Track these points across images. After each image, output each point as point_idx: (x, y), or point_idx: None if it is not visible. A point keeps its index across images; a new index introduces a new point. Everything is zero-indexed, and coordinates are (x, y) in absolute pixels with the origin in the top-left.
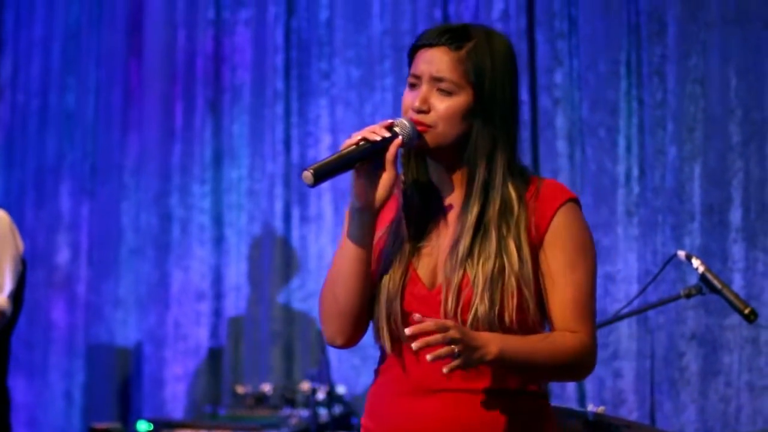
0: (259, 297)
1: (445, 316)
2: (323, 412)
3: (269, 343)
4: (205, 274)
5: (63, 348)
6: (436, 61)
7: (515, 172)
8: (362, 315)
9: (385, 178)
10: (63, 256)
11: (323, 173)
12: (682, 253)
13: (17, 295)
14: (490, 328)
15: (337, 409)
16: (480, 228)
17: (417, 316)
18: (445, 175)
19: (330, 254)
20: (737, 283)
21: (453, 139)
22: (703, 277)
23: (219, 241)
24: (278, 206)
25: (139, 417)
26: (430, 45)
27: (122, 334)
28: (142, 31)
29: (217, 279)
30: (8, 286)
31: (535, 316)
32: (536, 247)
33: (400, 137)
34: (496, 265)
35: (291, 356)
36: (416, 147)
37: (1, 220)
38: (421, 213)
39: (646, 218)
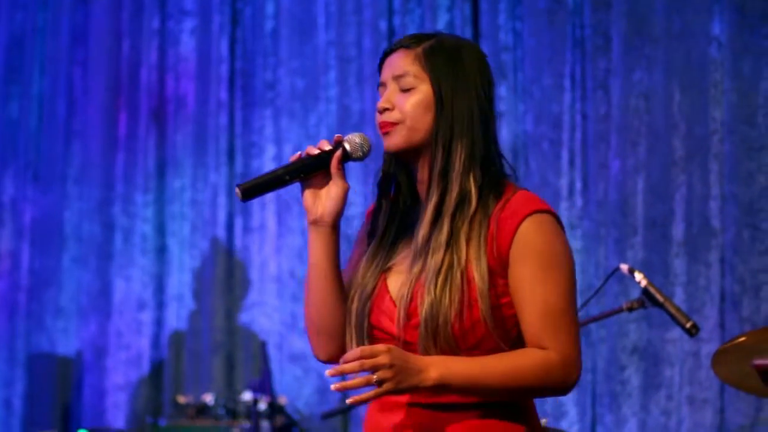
0: (201, 307)
1: (398, 320)
2: (265, 423)
3: (211, 353)
4: (147, 283)
5: (3, 356)
6: (395, 62)
7: (479, 170)
8: (340, 330)
9: (333, 190)
10: (4, 264)
11: (253, 190)
12: (624, 267)
13: None
14: (442, 330)
15: (279, 420)
16: (437, 219)
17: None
18: (420, 185)
19: (273, 265)
20: (679, 296)
21: (419, 134)
22: (645, 291)
23: (161, 250)
24: (221, 216)
25: (80, 427)
26: (392, 50)
27: (63, 343)
28: (86, 39)
29: (159, 288)
30: None
31: (496, 329)
32: (499, 263)
33: (343, 149)
34: (446, 258)
35: (233, 367)
36: (389, 150)
37: None
38: (400, 228)
39: (589, 231)
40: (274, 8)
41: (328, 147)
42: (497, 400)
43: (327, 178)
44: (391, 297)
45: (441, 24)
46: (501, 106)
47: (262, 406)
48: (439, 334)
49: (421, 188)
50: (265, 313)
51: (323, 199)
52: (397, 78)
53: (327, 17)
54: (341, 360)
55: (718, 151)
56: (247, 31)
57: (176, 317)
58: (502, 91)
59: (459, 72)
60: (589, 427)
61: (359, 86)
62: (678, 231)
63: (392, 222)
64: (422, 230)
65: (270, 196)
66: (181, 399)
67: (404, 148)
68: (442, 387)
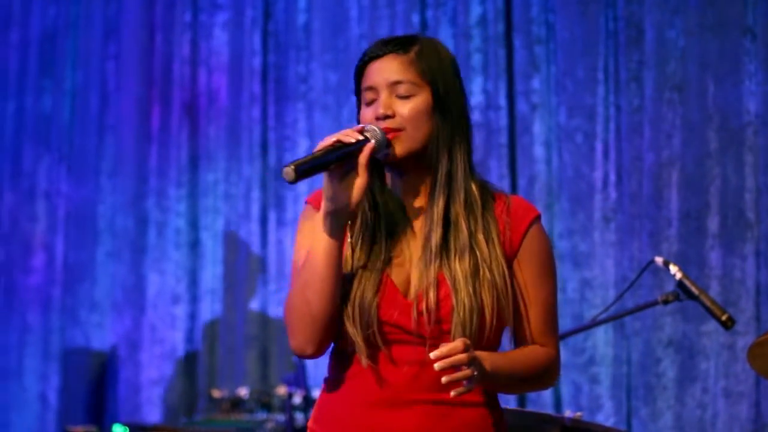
0: (234, 301)
1: (419, 318)
2: (299, 417)
3: (245, 347)
4: (181, 277)
5: (38, 351)
6: (387, 68)
7: (475, 173)
8: (333, 322)
9: (358, 182)
10: (39, 259)
11: (304, 170)
12: (659, 260)
13: None
14: (475, 330)
15: None
16: (449, 223)
17: (435, 352)
18: (409, 186)
19: None
20: (714, 289)
21: (421, 141)
22: (680, 284)
23: (195, 244)
24: (255, 210)
25: (115, 421)
26: (378, 56)
27: (98, 337)
28: (119, 33)
29: (193, 282)
30: None
31: (513, 325)
32: (510, 262)
33: (373, 142)
34: (471, 261)
35: (267, 360)
36: (385, 159)
37: None
38: (388, 225)
39: (623, 224)
40: (307, 1)
41: (360, 137)
42: (490, 396)
43: (348, 168)
44: (400, 292)
45: (473, 17)
46: (534, 98)
47: (297, 399)
48: (472, 334)
49: (410, 191)
50: None
51: (348, 190)
52: (393, 85)
53: (359, 10)
54: (441, 352)
55: (752, 143)
56: (280, 25)
57: (210, 311)
58: (535, 83)
59: (449, 76)
60: (624, 420)
61: None
62: (713, 223)
63: (376, 219)
64: (435, 234)
65: (302, 189)
66: (216, 393)
67: (406, 156)
68: (488, 379)
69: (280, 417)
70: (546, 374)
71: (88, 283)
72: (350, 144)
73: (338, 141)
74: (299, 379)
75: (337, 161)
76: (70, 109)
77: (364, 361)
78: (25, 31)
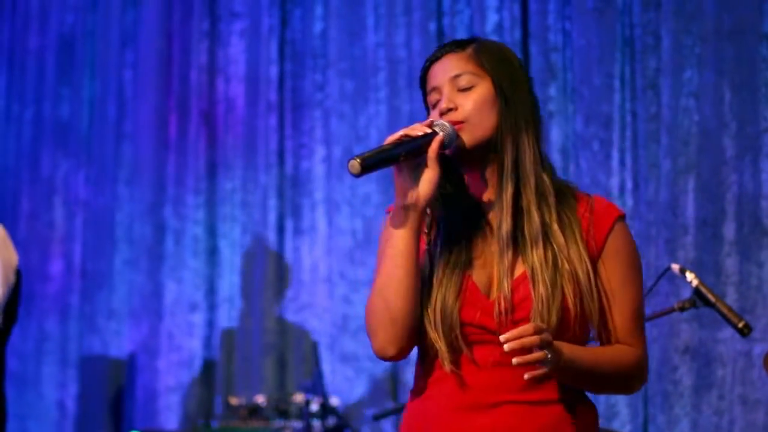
0: (252, 308)
1: (497, 314)
2: (317, 424)
3: (262, 354)
4: (199, 285)
5: (56, 358)
6: (447, 65)
7: (548, 166)
8: (413, 323)
9: (429, 175)
10: (56, 266)
11: (370, 164)
12: (675, 267)
13: (9, 308)
14: (555, 323)
15: (331, 421)
16: (521, 211)
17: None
18: (482, 181)
19: (323, 266)
20: (731, 296)
21: (487, 130)
22: (696, 291)
23: (212, 252)
24: (272, 218)
25: (132, 428)
26: (437, 58)
27: (116, 344)
28: (136, 42)
29: (211, 290)
30: None
31: (596, 321)
32: (595, 260)
33: (441, 134)
34: (548, 250)
35: (284, 368)
36: (454, 150)
37: None
38: (466, 225)
39: (639, 231)
40: (324, 10)
41: (427, 130)
42: (575, 394)
43: (419, 162)
44: (482, 292)
45: (490, 25)
46: (551, 106)
47: (314, 407)
48: (552, 327)
49: (482, 186)
50: (316, 314)
51: (419, 184)
52: (454, 78)
53: (376, 18)
54: (512, 334)
55: None
56: (297, 33)
57: (227, 319)
58: (551, 91)
59: (511, 68)
60: (641, 427)
61: (409, 88)
62: (729, 230)
63: (454, 221)
64: (505, 222)
65: (319, 197)
66: (233, 400)
67: (474, 147)
68: (567, 369)
69: (298, 424)
70: (632, 375)
71: (106, 290)
72: (417, 138)
73: (405, 135)
74: (316, 387)
75: (406, 155)
76: (88, 117)
77: (447, 366)
78: (43, 39)
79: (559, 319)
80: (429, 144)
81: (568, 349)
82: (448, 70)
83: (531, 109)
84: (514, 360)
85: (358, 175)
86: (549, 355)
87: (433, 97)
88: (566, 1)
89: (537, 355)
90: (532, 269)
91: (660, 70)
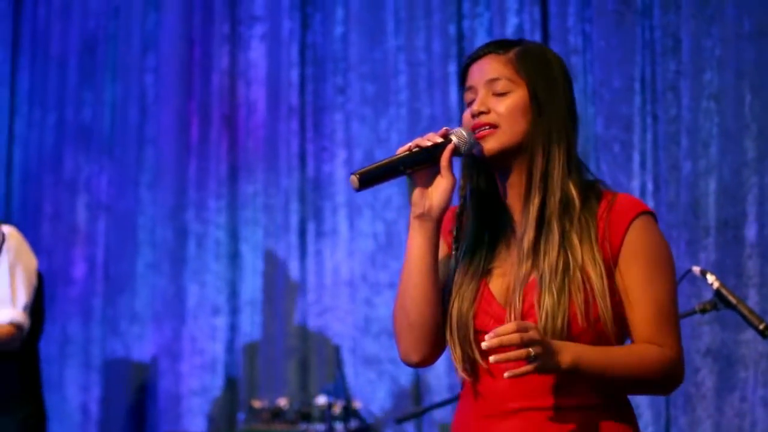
0: (274, 312)
1: (510, 319)
2: (339, 427)
3: (285, 357)
4: (221, 288)
5: (79, 361)
6: (486, 67)
7: (576, 174)
8: (433, 330)
9: (442, 184)
10: (79, 270)
11: (369, 178)
12: (696, 269)
13: (36, 309)
14: (559, 330)
15: (354, 424)
16: (543, 222)
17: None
18: (512, 189)
19: (345, 269)
20: (752, 298)
21: (517, 138)
22: (718, 293)
23: (235, 256)
24: (294, 221)
25: (155, 431)
26: (478, 57)
27: (138, 348)
28: (158, 46)
29: (233, 294)
30: (22, 299)
31: (611, 326)
32: (611, 263)
33: (453, 142)
34: (561, 259)
35: (307, 371)
36: (481, 155)
37: (12, 236)
38: (491, 230)
39: None
40: (344, 13)
41: (438, 139)
42: (602, 401)
43: (433, 171)
44: (497, 301)
45: (510, 27)
46: None
47: (337, 409)
48: (556, 333)
49: (511, 192)
50: (338, 317)
51: (432, 193)
52: (491, 82)
53: (396, 22)
54: (494, 333)
55: None
56: (318, 36)
57: (250, 322)
58: None
59: (550, 76)
60: (663, 429)
61: (429, 90)
62: (750, 232)
63: (481, 226)
64: (528, 233)
65: (341, 200)
66: (256, 403)
67: (500, 153)
68: (573, 371)
69: (320, 427)
70: (663, 375)
71: (128, 294)
72: (428, 147)
73: (416, 146)
74: (339, 390)
75: (413, 166)
76: (110, 121)
77: (461, 372)
78: (65, 44)
79: (565, 325)
80: (441, 153)
81: (575, 348)
82: (486, 72)
83: (565, 117)
84: (491, 358)
85: (358, 190)
86: (533, 353)
87: (468, 96)
88: (586, 3)
89: (517, 353)
90: (541, 276)
91: (680, 73)
